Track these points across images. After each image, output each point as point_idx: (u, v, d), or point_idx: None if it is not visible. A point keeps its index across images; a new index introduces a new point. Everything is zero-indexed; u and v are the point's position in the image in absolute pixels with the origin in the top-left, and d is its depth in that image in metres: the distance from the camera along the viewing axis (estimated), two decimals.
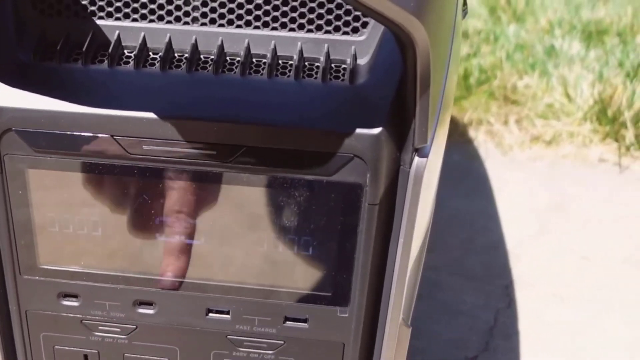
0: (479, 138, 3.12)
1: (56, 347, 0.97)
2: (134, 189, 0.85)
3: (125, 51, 0.88)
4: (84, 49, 0.87)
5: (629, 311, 2.20)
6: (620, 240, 2.51)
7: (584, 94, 3.21)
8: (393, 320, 0.90)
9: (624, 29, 3.97)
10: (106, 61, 0.86)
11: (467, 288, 2.27)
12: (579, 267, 2.39)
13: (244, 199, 0.85)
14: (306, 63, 0.87)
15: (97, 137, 0.83)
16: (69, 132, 0.83)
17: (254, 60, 0.87)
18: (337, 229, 0.85)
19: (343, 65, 0.87)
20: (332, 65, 0.87)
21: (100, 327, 0.95)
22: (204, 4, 0.88)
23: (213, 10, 0.88)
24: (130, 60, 0.87)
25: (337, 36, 0.87)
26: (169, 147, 0.82)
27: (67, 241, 0.89)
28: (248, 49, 0.87)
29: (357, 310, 0.90)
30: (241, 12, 0.88)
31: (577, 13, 4.20)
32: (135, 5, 0.89)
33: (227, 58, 0.87)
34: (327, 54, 0.86)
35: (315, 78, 0.85)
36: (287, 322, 0.92)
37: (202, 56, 0.88)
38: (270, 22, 0.88)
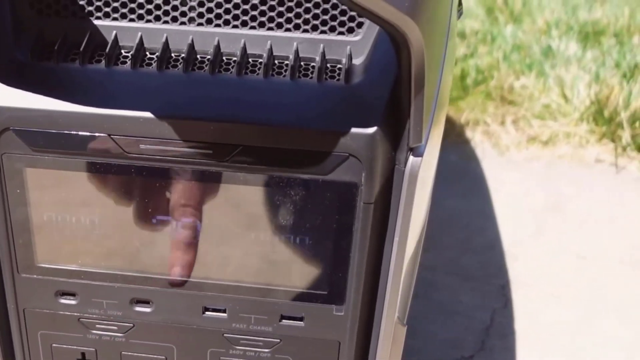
0: (476, 138, 3.12)
1: (54, 345, 0.97)
2: (131, 188, 0.86)
3: (123, 51, 0.89)
4: (81, 49, 0.87)
5: (625, 311, 2.20)
6: (617, 240, 2.52)
7: (581, 95, 3.21)
8: (388, 318, 0.90)
9: (621, 29, 3.97)
10: (103, 61, 0.87)
11: (464, 288, 2.27)
12: (575, 267, 2.39)
13: (240, 198, 0.85)
14: (302, 63, 0.87)
15: (95, 136, 0.83)
16: (66, 132, 0.83)
17: (250, 60, 0.88)
18: (333, 227, 0.85)
19: (338, 65, 0.87)
20: (328, 65, 0.87)
21: (97, 326, 0.95)
22: (201, 4, 0.88)
23: (209, 10, 0.88)
24: (127, 60, 0.87)
25: (332, 36, 0.88)
26: (165, 146, 0.82)
27: (65, 240, 0.89)
28: (244, 49, 0.87)
29: (352, 308, 0.90)
30: (237, 12, 0.88)
31: (574, 14, 4.20)
32: (132, 5, 0.89)
33: (224, 58, 0.88)
34: (323, 54, 0.87)
35: (311, 78, 0.86)
36: (283, 320, 0.92)
37: (198, 56, 0.88)
38: (266, 22, 0.88)
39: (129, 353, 0.96)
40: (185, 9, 0.89)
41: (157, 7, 0.89)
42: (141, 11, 0.89)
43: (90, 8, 0.89)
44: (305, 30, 0.88)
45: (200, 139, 0.82)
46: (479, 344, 2.07)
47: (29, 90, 0.83)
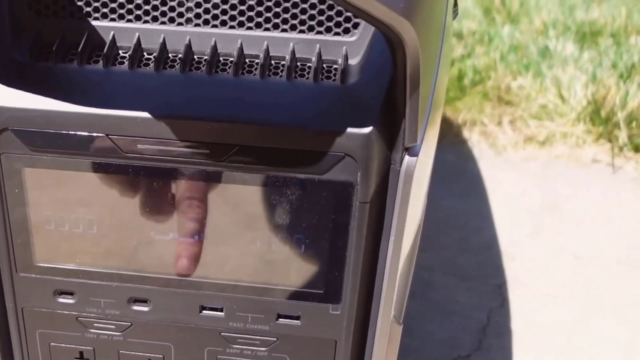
0: (473, 138, 3.13)
1: (52, 344, 0.97)
2: (128, 188, 0.86)
3: (120, 51, 0.89)
4: (79, 50, 0.88)
5: (622, 311, 2.21)
6: (614, 241, 2.52)
7: (578, 95, 3.22)
8: (384, 317, 0.91)
9: (618, 30, 3.98)
10: (101, 61, 0.87)
11: (461, 288, 2.28)
12: (572, 267, 2.40)
13: (237, 198, 0.86)
14: (298, 63, 0.87)
15: (93, 136, 0.83)
16: (64, 132, 0.83)
17: (246, 60, 0.88)
18: (329, 227, 0.86)
19: (334, 66, 0.87)
20: (324, 65, 0.87)
21: (95, 324, 0.95)
22: (198, 5, 0.89)
23: (206, 11, 0.89)
24: (124, 60, 0.88)
25: (328, 37, 0.88)
26: (163, 146, 0.83)
27: (63, 239, 0.90)
28: (241, 49, 0.88)
29: (348, 307, 0.91)
30: (234, 13, 0.89)
31: (572, 14, 4.21)
32: (130, 6, 0.89)
33: (220, 58, 0.88)
34: (319, 55, 0.87)
35: (307, 78, 0.86)
36: (280, 319, 0.93)
37: (195, 56, 0.89)
38: (263, 23, 0.89)
39: (127, 352, 0.97)
40: (182, 9, 0.89)
41: (155, 8, 0.89)
42: (139, 12, 0.89)
43: (88, 9, 0.90)
44: (302, 31, 0.89)
45: (197, 139, 0.82)
46: (476, 344, 2.08)
47: (28, 90, 0.84)
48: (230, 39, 0.89)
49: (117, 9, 0.89)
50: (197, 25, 0.89)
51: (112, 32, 0.89)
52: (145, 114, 0.82)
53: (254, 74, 0.87)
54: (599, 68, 3.46)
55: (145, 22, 0.90)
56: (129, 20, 0.90)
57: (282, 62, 0.88)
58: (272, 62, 0.88)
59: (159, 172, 0.85)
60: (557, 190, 2.80)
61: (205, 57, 0.88)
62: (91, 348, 0.97)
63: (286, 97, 0.84)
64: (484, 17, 4.22)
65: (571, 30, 3.98)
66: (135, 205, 0.87)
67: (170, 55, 0.89)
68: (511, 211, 2.65)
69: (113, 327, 0.95)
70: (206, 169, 0.84)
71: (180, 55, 0.88)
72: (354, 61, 0.87)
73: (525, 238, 2.52)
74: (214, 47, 0.88)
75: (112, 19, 0.90)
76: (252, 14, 0.88)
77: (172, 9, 0.89)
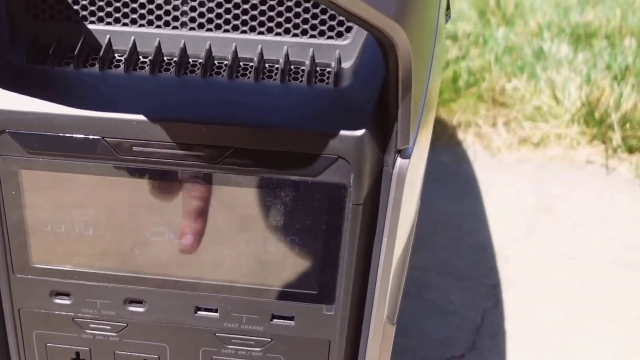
0: (468, 140, 3.13)
1: (48, 344, 0.98)
2: (124, 190, 0.87)
3: (116, 55, 0.89)
4: (75, 53, 0.88)
5: (616, 311, 2.21)
6: (608, 241, 2.52)
7: (572, 97, 3.22)
8: (377, 318, 0.91)
9: (612, 31, 3.98)
10: (97, 65, 0.88)
11: (455, 288, 2.28)
12: (566, 267, 2.40)
13: (232, 200, 0.86)
14: (292, 66, 0.88)
15: (89, 138, 0.84)
16: (61, 134, 0.84)
17: (241, 63, 0.89)
18: (322, 228, 0.86)
19: (328, 69, 0.88)
20: (317, 68, 0.88)
21: (91, 325, 0.96)
22: (193, 9, 0.89)
23: (201, 15, 0.89)
24: (120, 63, 0.88)
25: (322, 40, 0.89)
26: (158, 148, 0.83)
27: (60, 241, 0.90)
28: (235, 52, 0.88)
29: (342, 308, 0.91)
30: (228, 17, 0.89)
31: (566, 16, 4.21)
32: (126, 10, 0.90)
33: (215, 62, 0.89)
34: (312, 58, 0.88)
35: (301, 81, 0.87)
36: (274, 319, 0.93)
37: (190, 60, 0.89)
38: (257, 27, 0.89)
39: (123, 352, 0.97)
40: (177, 13, 0.90)
41: (150, 11, 0.90)
42: (134, 16, 0.90)
43: (85, 13, 0.90)
44: (295, 35, 0.89)
45: (192, 141, 0.83)
46: (470, 344, 2.08)
47: (25, 93, 0.84)
48: (225, 42, 0.89)
49: (113, 12, 0.90)
50: (192, 29, 0.90)
51: (108, 36, 0.90)
52: (141, 117, 0.82)
53: (248, 77, 0.87)
54: (593, 70, 3.46)
55: (141, 25, 0.90)
56: (125, 24, 0.90)
57: (276, 66, 0.88)
58: (266, 65, 0.88)
59: (154, 174, 0.85)
60: (552, 191, 2.80)
61: (200, 61, 0.88)
62: (87, 348, 0.97)
63: (280, 100, 0.85)
64: (478, 19, 4.22)
65: (566, 32, 3.98)
66: (131, 207, 0.88)
67: (165, 58, 0.89)
68: (506, 212, 2.66)
69: (109, 327, 0.95)
70: (201, 171, 0.84)
71: (175, 59, 0.88)
72: (347, 64, 0.88)
73: (519, 239, 2.53)
74: (209, 51, 0.89)
75: (108, 23, 0.90)
76: (246, 17, 0.89)
77: (167, 12, 0.90)
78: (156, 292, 0.92)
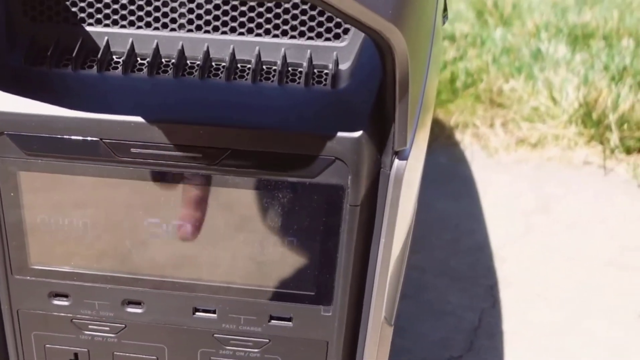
0: (465, 141, 3.13)
1: (47, 345, 0.98)
2: (122, 191, 0.87)
3: (114, 57, 0.90)
4: (73, 55, 0.88)
5: (613, 312, 2.22)
6: (605, 242, 2.53)
7: (569, 97, 3.23)
8: (375, 319, 0.91)
9: (610, 32, 3.98)
10: (95, 66, 0.88)
11: (453, 289, 2.28)
12: (563, 268, 2.40)
13: (230, 201, 0.86)
14: (289, 68, 0.88)
15: (87, 140, 0.84)
16: (59, 136, 0.84)
17: (238, 65, 0.89)
18: (320, 229, 0.86)
19: (325, 71, 0.88)
20: (315, 70, 0.88)
21: (90, 326, 0.96)
22: (190, 11, 0.90)
23: (199, 17, 0.90)
24: (118, 65, 0.88)
25: (319, 42, 0.89)
26: (156, 150, 0.83)
27: (58, 242, 0.90)
28: (233, 54, 0.89)
29: (340, 309, 0.91)
30: (226, 19, 0.89)
31: (564, 17, 4.21)
32: (124, 12, 0.90)
33: (213, 63, 0.89)
34: (310, 60, 0.88)
35: (298, 83, 0.87)
36: (272, 321, 0.93)
37: (188, 62, 0.89)
38: (255, 29, 0.89)
39: (121, 353, 0.97)
40: (175, 15, 0.90)
41: (148, 13, 0.90)
42: (132, 18, 0.90)
43: (83, 15, 0.90)
44: (293, 37, 0.89)
45: (190, 143, 0.83)
46: (468, 344, 2.08)
47: (23, 95, 0.84)
48: (223, 44, 0.89)
49: (111, 14, 0.90)
50: (189, 30, 0.90)
51: (106, 38, 0.90)
52: (139, 119, 0.83)
53: (246, 79, 0.87)
54: (590, 70, 3.47)
55: (139, 27, 0.90)
56: (123, 26, 0.90)
57: (274, 67, 0.88)
58: (264, 67, 0.89)
59: (152, 175, 0.85)
60: (549, 192, 2.80)
61: (198, 62, 0.89)
62: (86, 350, 0.97)
63: (278, 101, 0.85)
64: (476, 19, 4.23)
65: (563, 32, 3.98)
66: (129, 209, 0.88)
67: (163, 60, 0.89)
68: (503, 213, 2.66)
69: (107, 328, 0.96)
70: (199, 173, 0.85)
71: (173, 61, 0.88)
72: (344, 66, 0.88)
73: (516, 239, 2.53)
74: (207, 53, 0.89)
75: (106, 25, 0.91)
76: (244, 19, 0.89)
77: (165, 15, 0.90)
78: (154, 293, 0.93)
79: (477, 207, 2.68)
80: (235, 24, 0.89)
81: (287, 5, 0.88)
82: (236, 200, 0.86)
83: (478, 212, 2.65)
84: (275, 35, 0.89)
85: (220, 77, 0.88)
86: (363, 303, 0.92)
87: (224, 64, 0.89)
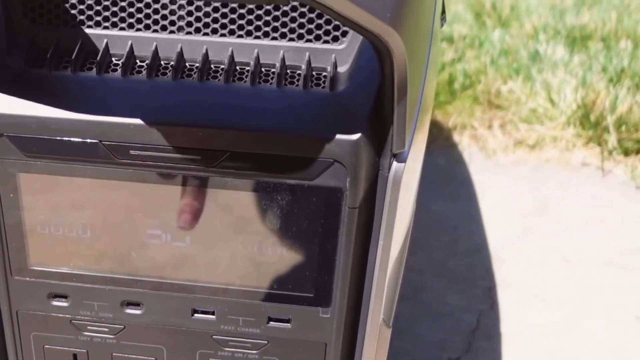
0: (463, 142, 3.14)
1: (46, 346, 0.98)
2: (121, 193, 0.87)
3: (113, 59, 0.90)
4: (73, 57, 0.89)
5: (611, 314, 2.22)
6: (603, 243, 2.53)
7: (568, 99, 3.23)
8: (373, 320, 0.92)
9: (608, 34, 3.99)
10: (95, 69, 0.88)
11: (451, 290, 2.28)
12: (561, 269, 2.40)
13: (229, 203, 0.87)
14: (288, 71, 0.89)
15: (86, 142, 0.84)
16: (58, 138, 0.84)
17: (237, 67, 0.89)
18: (319, 231, 0.87)
19: (324, 73, 0.88)
20: (313, 72, 0.88)
21: (89, 327, 0.96)
22: (189, 14, 0.90)
23: (198, 19, 0.90)
24: (118, 67, 0.89)
25: (318, 45, 0.89)
26: (155, 152, 0.84)
27: (57, 243, 0.91)
28: (232, 57, 0.89)
29: (338, 310, 0.91)
30: (225, 21, 0.89)
31: (562, 18, 4.22)
32: (123, 14, 0.90)
33: (212, 66, 0.89)
34: (308, 62, 0.88)
35: (297, 85, 0.87)
36: (271, 322, 0.93)
37: (187, 64, 0.89)
38: (253, 31, 0.90)
39: (120, 354, 0.97)
40: (174, 18, 0.90)
41: (147, 16, 0.90)
42: (131, 20, 0.90)
43: (82, 17, 0.91)
44: (292, 39, 0.89)
45: (189, 145, 0.83)
46: (466, 346, 2.08)
47: (23, 97, 0.85)
48: (222, 46, 0.90)
49: (110, 17, 0.90)
50: (188, 33, 0.90)
51: (105, 40, 0.90)
52: (138, 121, 0.83)
53: (245, 81, 0.88)
54: (588, 72, 3.47)
55: (138, 30, 0.91)
56: (122, 28, 0.91)
57: (272, 70, 0.89)
58: (263, 69, 0.89)
59: (151, 177, 0.86)
60: (547, 193, 2.81)
61: (197, 65, 0.89)
62: (85, 350, 0.97)
63: (276, 103, 0.85)
64: (474, 21, 4.23)
65: (561, 34, 3.98)
66: (128, 210, 0.88)
67: (162, 62, 0.90)
68: (501, 214, 2.66)
69: (106, 330, 0.96)
70: (198, 175, 0.85)
71: (172, 63, 0.89)
72: (342, 69, 0.88)
73: (515, 241, 2.53)
74: (206, 55, 0.89)
75: (106, 27, 0.91)
76: (242, 22, 0.89)
77: (164, 17, 0.90)
78: (153, 294, 0.93)
79: (475, 208, 2.68)
80: (234, 27, 0.90)
81: (285, 8, 0.88)
82: (235, 202, 0.86)
83: (476, 213, 2.65)
84: (274, 38, 0.90)
85: (219, 80, 0.88)
86: (361, 305, 0.92)
87: (222, 66, 0.89)
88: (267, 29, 0.89)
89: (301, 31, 0.89)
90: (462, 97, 3.35)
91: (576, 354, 2.07)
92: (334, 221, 0.86)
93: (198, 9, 0.89)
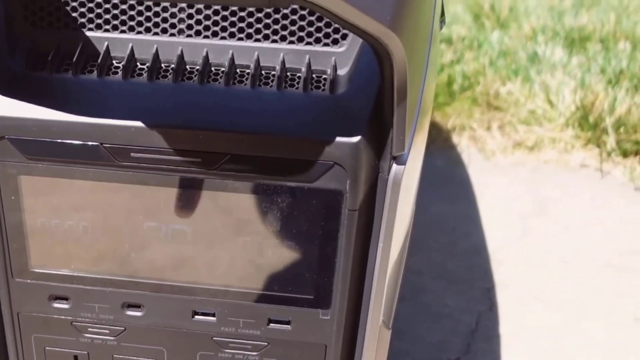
0: (462, 144, 3.14)
1: (47, 348, 0.98)
2: (122, 195, 0.87)
3: (114, 62, 0.90)
4: (74, 60, 0.89)
5: (609, 315, 2.22)
6: (602, 245, 2.53)
7: (566, 100, 3.23)
8: (373, 322, 0.92)
9: (607, 35, 3.99)
10: (95, 71, 0.88)
11: (450, 291, 2.28)
12: (560, 270, 2.40)
13: (229, 205, 0.87)
14: (288, 73, 0.89)
15: (87, 145, 0.84)
16: (59, 140, 0.84)
17: (237, 70, 0.89)
18: (319, 234, 0.87)
19: (324, 76, 0.89)
20: (313, 75, 0.89)
21: (89, 329, 0.96)
22: (190, 17, 0.90)
23: (198, 22, 0.90)
24: (118, 70, 0.89)
25: (317, 47, 0.90)
26: (156, 154, 0.84)
27: (58, 245, 0.91)
28: (232, 59, 0.89)
29: (338, 312, 0.92)
30: (225, 24, 0.90)
31: (560, 20, 4.22)
32: (124, 17, 0.90)
33: (212, 68, 0.89)
34: (309, 65, 0.89)
35: (297, 88, 0.87)
36: (271, 324, 0.94)
37: (187, 67, 0.90)
38: (254, 34, 0.90)
39: (121, 356, 0.98)
40: (174, 20, 0.90)
41: (148, 19, 0.90)
42: (132, 23, 0.91)
43: (83, 20, 0.91)
44: (292, 42, 0.90)
45: (190, 147, 0.83)
46: (465, 347, 2.08)
47: (24, 100, 0.85)
48: (222, 49, 0.90)
49: (111, 20, 0.91)
50: (189, 36, 0.91)
51: (106, 43, 0.90)
52: (139, 123, 0.83)
53: (245, 84, 0.88)
54: (587, 73, 3.47)
55: (139, 33, 0.91)
56: (123, 31, 0.91)
57: (273, 72, 0.89)
58: (263, 72, 0.89)
59: (152, 180, 0.86)
60: (546, 194, 2.81)
61: (197, 67, 0.89)
62: (85, 352, 0.98)
63: (276, 106, 0.85)
64: (473, 22, 4.23)
65: (560, 35, 3.99)
66: (129, 213, 0.88)
67: (163, 65, 0.90)
68: (500, 215, 2.66)
69: (107, 331, 0.96)
70: (198, 177, 0.85)
71: (172, 66, 0.89)
72: (342, 71, 0.88)
73: (513, 242, 2.53)
74: (206, 58, 0.89)
75: (106, 30, 0.91)
76: (242, 25, 0.89)
77: (164, 20, 0.90)
78: (154, 296, 0.93)
79: (474, 209, 2.68)
80: (234, 29, 0.90)
81: (285, 11, 0.89)
82: (235, 205, 0.86)
83: (475, 214, 2.65)
84: (274, 41, 0.90)
85: (219, 82, 0.88)
86: (361, 306, 0.92)
87: (223, 69, 0.89)
88: (267, 31, 0.90)
89: (301, 34, 0.89)
90: (461, 99, 3.35)
91: (575, 355, 2.07)
92: (334, 223, 0.86)
93: (198, 11, 0.90)
